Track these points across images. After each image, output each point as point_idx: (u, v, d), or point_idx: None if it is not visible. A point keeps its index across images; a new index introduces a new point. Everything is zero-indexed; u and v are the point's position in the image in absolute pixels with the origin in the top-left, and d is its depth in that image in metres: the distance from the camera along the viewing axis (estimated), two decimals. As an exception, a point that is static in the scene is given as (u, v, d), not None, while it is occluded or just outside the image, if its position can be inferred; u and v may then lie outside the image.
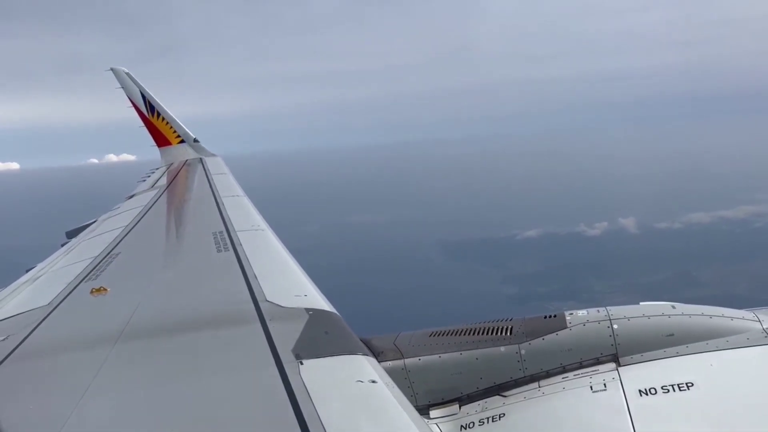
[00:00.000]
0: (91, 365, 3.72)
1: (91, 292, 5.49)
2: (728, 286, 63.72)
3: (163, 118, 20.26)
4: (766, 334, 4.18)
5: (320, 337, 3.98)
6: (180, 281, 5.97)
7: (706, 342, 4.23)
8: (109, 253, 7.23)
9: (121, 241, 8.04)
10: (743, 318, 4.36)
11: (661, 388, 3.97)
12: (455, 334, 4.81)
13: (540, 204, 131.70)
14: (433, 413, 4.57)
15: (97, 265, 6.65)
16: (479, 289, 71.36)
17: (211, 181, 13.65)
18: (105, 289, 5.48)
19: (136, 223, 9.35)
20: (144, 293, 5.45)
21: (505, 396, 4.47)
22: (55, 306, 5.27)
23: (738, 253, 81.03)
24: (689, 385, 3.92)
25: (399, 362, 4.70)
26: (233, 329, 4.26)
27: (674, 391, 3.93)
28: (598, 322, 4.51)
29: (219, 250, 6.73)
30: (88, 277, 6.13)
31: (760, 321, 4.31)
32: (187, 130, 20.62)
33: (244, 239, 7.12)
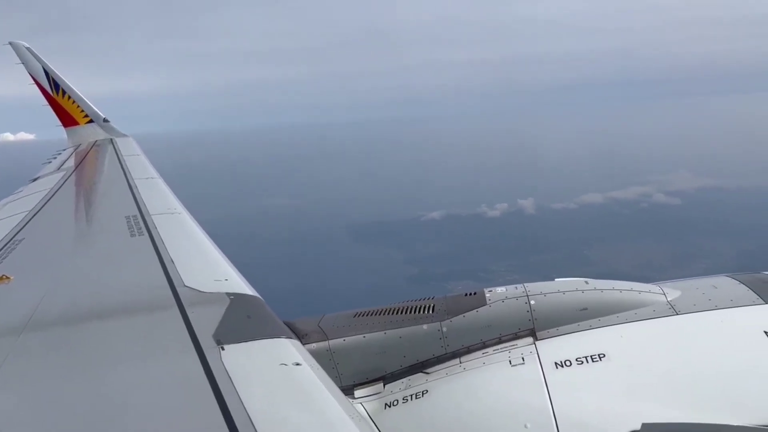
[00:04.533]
0: None
1: None
2: (614, 264, 67.42)
3: (69, 97, 19.08)
4: (670, 306, 4.38)
5: (242, 322, 3.87)
6: (91, 267, 5.61)
7: (616, 315, 4.38)
8: (11, 239, 6.70)
9: (25, 226, 7.48)
10: (650, 291, 4.54)
11: (576, 359, 4.10)
12: (379, 314, 4.80)
13: (446, 186, 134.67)
14: (357, 393, 4.56)
15: None
16: (383, 272, 72.38)
17: (123, 163, 13.01)
18: (7, 278, 5.10)
19: (42, 207, 8.75)
20: (51, 281, 5.08)
21: (427, 373, 4.51)
22: None
23: (625, 232, 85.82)
24: (601, 356, 4.08)
25: (324, 344, 4.65)
26: (149, 316, 4.04)
27: (587, 362, 4.07)
28: (516, 298, 4.60)
29: (133, 235, 6.40)
30: None
31: (665, 294, 4.50)
32: (95, 109, 19.50)
33: (159, 223, 6.81)
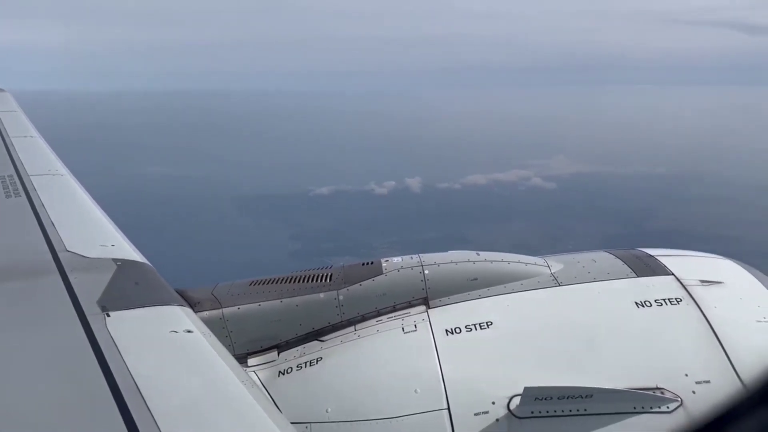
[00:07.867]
0: None
1: None
2: (490, 244, 70.57)
3: None
4: (553, 278, 4.61)
5: (130, 288, 3.72)
6: None
7: (504, 285, 4.56)
8: None
9: None
10: (536, 264, 4.74)
11: (465, 327, 4.23)
12: (276, 283, 4.75)
13: (337, 162, 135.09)
14: (251, 361, 4.49)
15: None
16: (266, 246, 71.87)
17: None
18: None
19: None
20: None
21: (322, 341, 4.51)
22: None
23: (502, 213, 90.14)
24: (489, 323, 4.24)
25: (217, 312, 4.54)
26: (27, 282, 3.82)
27: (476, 329, 4.21)
28: (411, 268, 4.69)
29: (8, 196, 5.98)
30: None
31: (549, 267, 4.72)
32: None
33: (39, 185, 6.36)
